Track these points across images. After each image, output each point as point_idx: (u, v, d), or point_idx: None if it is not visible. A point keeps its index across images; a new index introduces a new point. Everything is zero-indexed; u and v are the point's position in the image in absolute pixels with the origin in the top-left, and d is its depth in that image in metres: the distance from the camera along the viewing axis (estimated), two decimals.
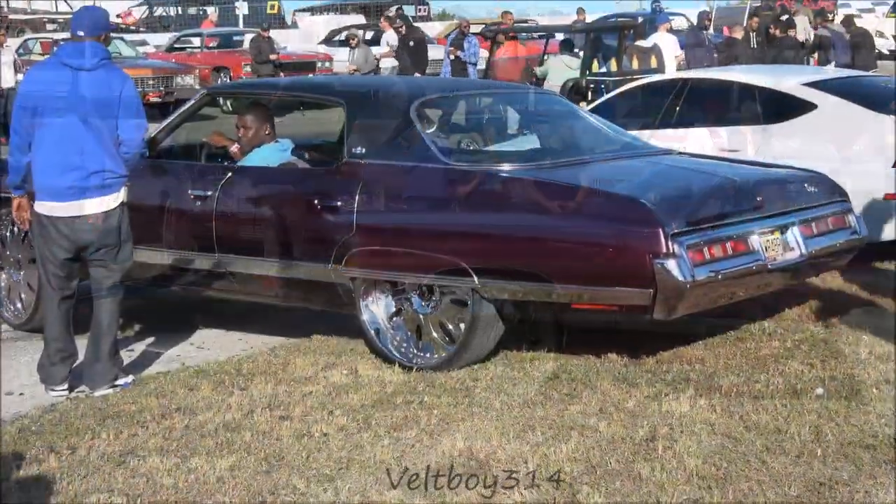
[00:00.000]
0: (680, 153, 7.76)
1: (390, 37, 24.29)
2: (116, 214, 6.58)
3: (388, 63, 24.07)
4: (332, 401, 6.30)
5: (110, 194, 6.53)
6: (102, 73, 6.49)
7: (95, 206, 6.51)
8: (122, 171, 6.56)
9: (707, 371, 6.62)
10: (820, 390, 6.16)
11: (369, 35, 30.51)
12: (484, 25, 28.70)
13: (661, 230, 6.15)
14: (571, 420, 5.82)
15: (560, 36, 20.25)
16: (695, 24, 23.37)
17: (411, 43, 22.90)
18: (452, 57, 22.26)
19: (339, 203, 6.98)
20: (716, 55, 20.34)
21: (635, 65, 18.30)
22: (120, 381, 6.72)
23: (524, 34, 26.42)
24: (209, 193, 7.44)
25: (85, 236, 6.54)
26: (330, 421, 5.93)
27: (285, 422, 5.94)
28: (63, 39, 22.56)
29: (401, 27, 23.55)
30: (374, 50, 24.97)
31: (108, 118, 6.46)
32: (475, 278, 6.56)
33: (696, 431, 5.60)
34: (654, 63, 18.38)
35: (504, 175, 6.85)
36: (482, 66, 20.68)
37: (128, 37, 32.60)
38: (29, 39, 30.95)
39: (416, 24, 24.08)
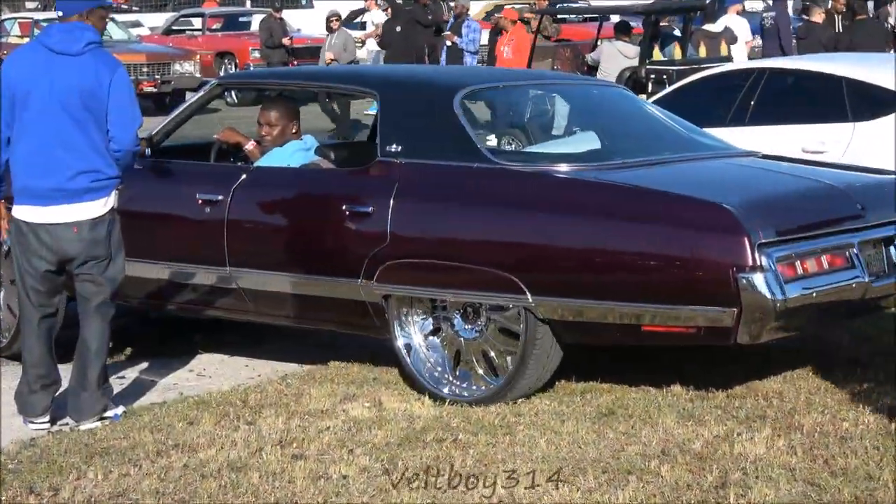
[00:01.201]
0: (765, 155, 7.74)
1: (375, 16, 24.34)
2: (106, 222, 6.59)
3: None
4: (352, 438, 6.30)
5: (99, 199, 6.55)
6: (89, 58, 6.52)
7: (82, 211, 6.53)
8: (114, 171, 6.58)
9: (786, 407, 6.59)
10: None
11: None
12: (493, 7, 28.68)
13: (746, 239, 6.16)
14: (629, 463, 5.81)
15: (615, 18, 20.24)
16: (770, 3, 23.31)
17: (398, 28, 22.86)
18: (449, 43, 22.28)
19: (370, 209, 7.00)
20: (794, 42, 20.28)
21: (702, 52, 18.26)
22: (109, 413, 6.74)
23: (573, 16, 26.43)
24: (220, 198, 7.47)
25: (69, 247, 6.55)
26: (350, 461, 5.94)
27: (299, 461, 5.94)
28: (46, 20, 22.75)
29: (386, 9, 23.56)
30: (358, 34, 25.01)
31: (96, 111, 6.48)
32: (528, 295, 6.56)
33: (773, 477, 5.57)
34: (723, 50, 18.34)
35: (562, 176, 6.86)
36: (528, 55, 20.54)
37: (119, 17, 32.76)
38: (6, 20, 31.15)
39: (410, 7, 23.94)
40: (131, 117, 6.55)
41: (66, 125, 6.48)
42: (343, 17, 24.16)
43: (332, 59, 22.33)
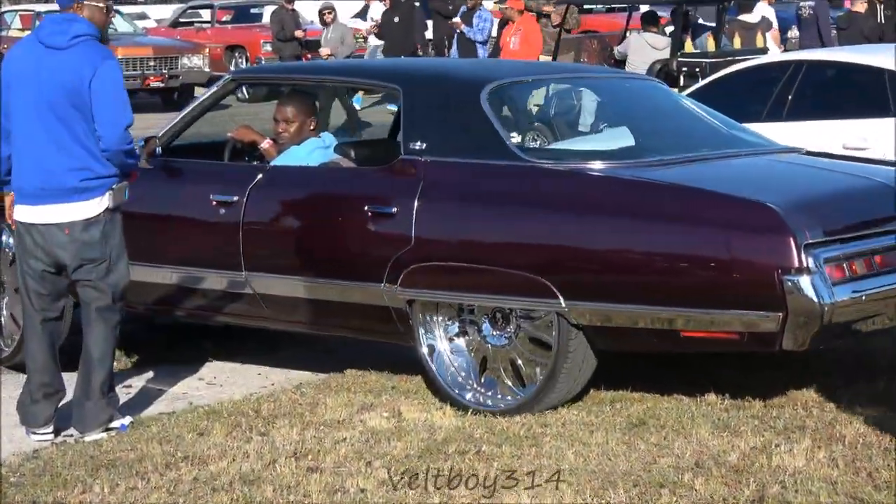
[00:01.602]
0: (808, 151, 7.73)
1: (376, 10, 24.36)
2: (101, 223, 6.58)
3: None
4: (370, 449, 6.30)
5: (92, 198, 6.55)
6: (74, 53, 6.50)
7: (73, 212, 6.54)
8: (108, 170, 6.56)
9: (826, 417, 6.58)
10: None
11: None
12: None
13: (792, 240, 6.15)
14: (661, 476, 5.80)
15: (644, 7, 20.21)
16: None
17: (396, 19, 22.86)
18: (458, 31, 22.31)
19: (393, 209, 7.01)
20: (833, 33, 20.25)
21: (737, 44, 18.23)
22: (115, 424, 6.75)
23: (598, 6, 26.40)
24: (235, 199, 7.48)
25: (60, 249, 6.55)
26: (368, 474, 5.94)
27: (314, 474, 5.94)
28: (48, 12, 22.83)
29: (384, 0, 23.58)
30: (360, 26, 24.99)
31: (82, 108, 6.47)
32: (561, 300, 6.56)
33: (813, 491, 5.56)
34: (760, 41, 18.29)
35: (595, 175, 6.86)
36: (542, 47, 20.51)
37: (124, 9, 32.88)
38: (6, 12, 31.27)
39: None
40: (117, 115, 6.49)
41: (55, 123, 6.49)
42: (337, 10, 24.22)
43: (328, 55, 22.30)
